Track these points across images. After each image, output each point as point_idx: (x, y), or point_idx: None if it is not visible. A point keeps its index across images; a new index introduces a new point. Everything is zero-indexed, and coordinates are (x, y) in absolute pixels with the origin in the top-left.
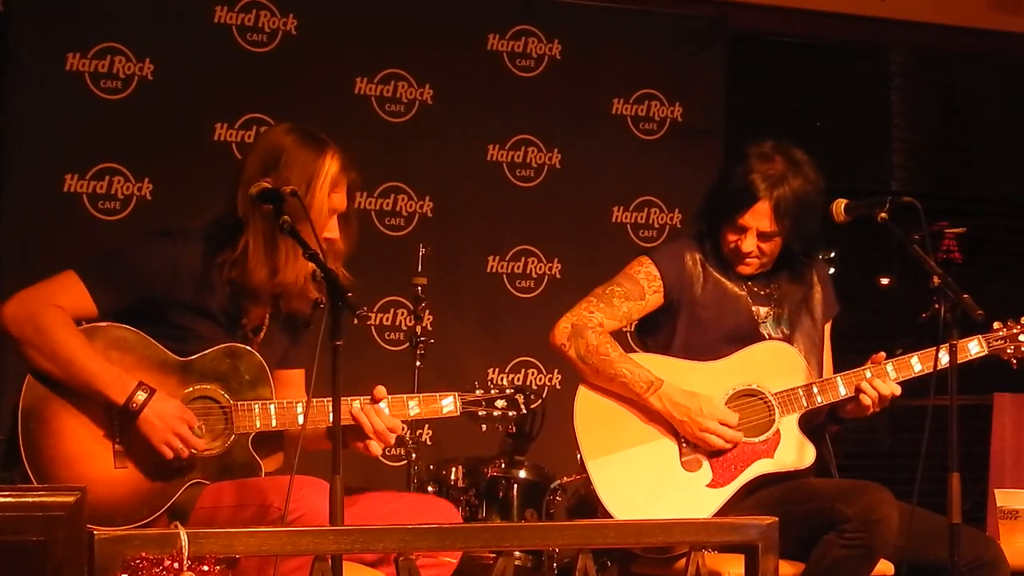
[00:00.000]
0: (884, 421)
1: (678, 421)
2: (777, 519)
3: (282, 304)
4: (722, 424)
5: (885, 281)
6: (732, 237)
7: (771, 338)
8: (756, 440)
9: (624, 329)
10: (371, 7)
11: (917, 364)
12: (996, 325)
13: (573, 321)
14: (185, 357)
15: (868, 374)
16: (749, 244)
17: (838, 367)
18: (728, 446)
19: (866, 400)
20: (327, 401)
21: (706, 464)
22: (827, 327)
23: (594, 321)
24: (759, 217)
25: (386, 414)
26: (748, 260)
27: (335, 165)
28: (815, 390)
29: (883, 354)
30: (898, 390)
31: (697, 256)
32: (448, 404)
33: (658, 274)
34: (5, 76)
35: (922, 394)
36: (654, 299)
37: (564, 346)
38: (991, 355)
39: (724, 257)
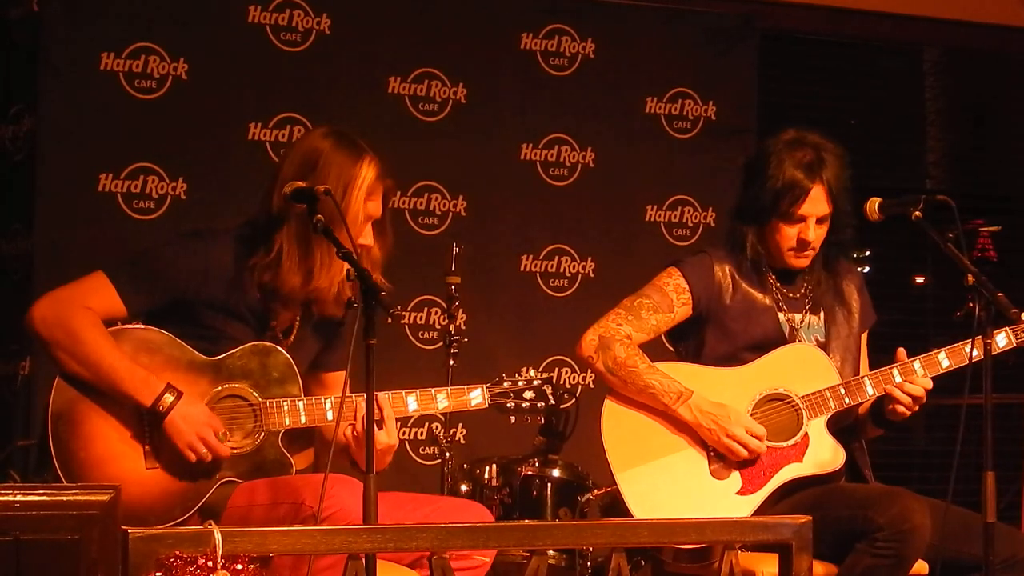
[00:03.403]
0: (919, 420)
1: (706, 430)
2: (811, 518)
3: (314, 309)
4: (749, 433)
5: (920, 280)
6: (791, 231)
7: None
8: (785, 444)
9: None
10: (404, 6)
11: (945, 360)
12: None
13: (600, 333)
14: (213, 357)
15: (896, 374)
16: (812, 232)
17: (872, 367)
18: (751, 457)
19: (901, 409)
20: (355, 397)
21: (735, 472)
22: (864, 337)
23: (622, 333)
24: (816, 203)
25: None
26: (808, 251)
27: (372, 172)
28: (842, 391)
29: (903, 350)
30: (929, 384)
31: (727, 267)
32: (476, 396)
33: (687, 286)
34: (39, 76)
35: (957, 393)
36: (682, 311)
37: (592, 358)
38: (1019, 347)
39: (776, 256)
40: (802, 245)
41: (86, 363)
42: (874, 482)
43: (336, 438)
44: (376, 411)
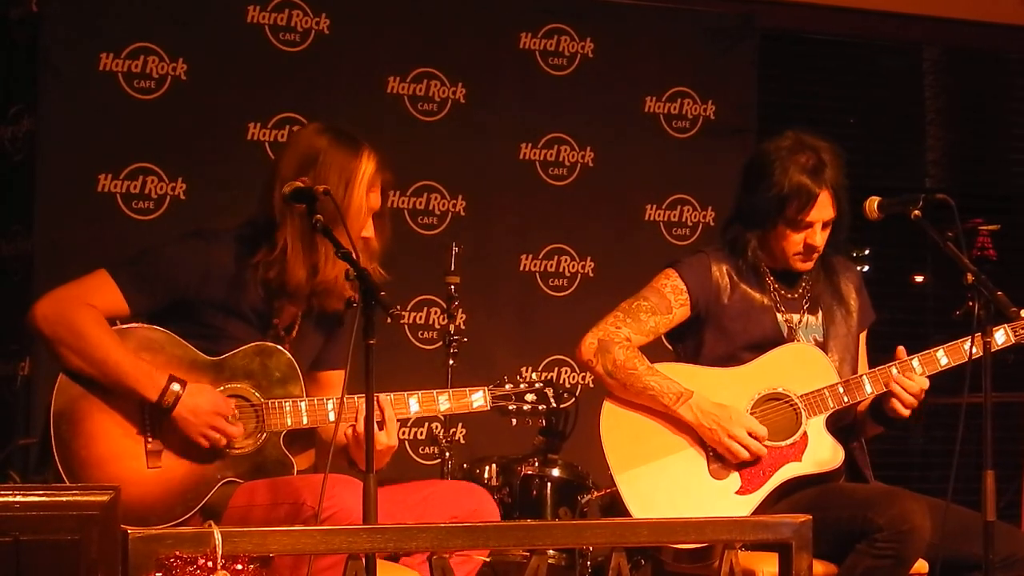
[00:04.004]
0: (919, 418)
1: (707, 430)
2: (811, 517)
3: (315, 301)
4: (750, 434)
5: (919, 279)
6: (797, 237)
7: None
8: (784, 444)
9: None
10: (403, 6)
11: (944, 358)
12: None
13: (599, 336)
14: (215, 357)
15: (894, 371)
16: (820, 237)
17: (871, 366)
18: (751, 458)
19: (899, 406)
20: (357, 398)
21: (734, 471)
22: (863, 336)
23: (621, 336)
24: (823, 208)
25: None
26: (814, 255)
27: (371, 165)
28: (841, 390)
29: (903, 348)
30: (926, 383)
31: (724, 267)
32: (478, 399)
33: (684, 287)
34: (39, 76)
35: (956, 392)
36: (681, 312)
37: (591, 362)
38: (1017, 344)
39: (780, 261)
40: (809, 250)
41: (90, 359)
42: (874, 482)
43: (335, 438)
44: (377, 412)
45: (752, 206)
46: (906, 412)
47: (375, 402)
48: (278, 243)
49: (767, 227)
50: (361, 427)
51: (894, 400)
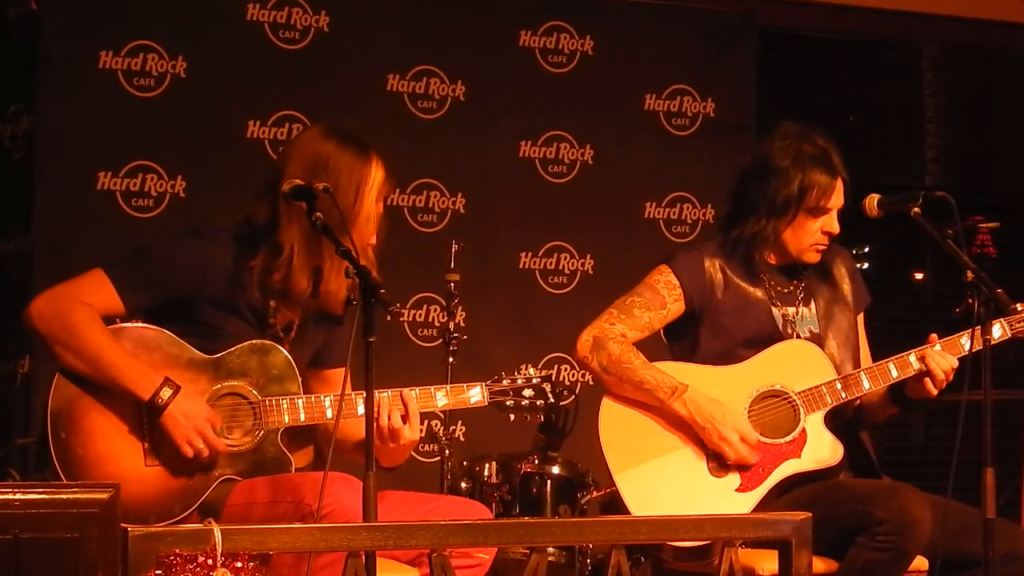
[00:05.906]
0: (918, 416)
1: (700, 426)
2: (810, 515)
3: (313, 307)
4: (741, 439)
5: (919, 276)
6: (814, 225)
7: (799, 338)
8: (782, 441)
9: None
10: (403, 4)
11: (967, 342)
12: (1020, 307)
13: (595, 333)
14: (213, 355)
15: (892, 368)
16: (836, 223)
17: (874, 360)
18: (736, 458)
19: (930, 385)
20: (355, 394)
21: (733, 469)
22: (860, 319)
23: (616, 332)
24: (839, 194)
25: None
26: (828, 243)
27: (381, 172)
28: (839, 386)
29: (935, 335)
30: (956, 362)
31: (717, 262)
32: (475, 394)
33: (678, 283)
34: (38, 74)
35: (956, 389)
36: (675, 308)
37: (587, 359)
38: (1014, 337)
39: (793, 252)
40: (827, 237)
41: (84, 357)
42: (880, 471)
43: (335, 435)
44: (401, 407)
45: (771, 200)
46: (934, 391)
47: (399, 397)
48: (284, 247)
49: (784, 219)
50: (384, 422)
51: (927, 381)
